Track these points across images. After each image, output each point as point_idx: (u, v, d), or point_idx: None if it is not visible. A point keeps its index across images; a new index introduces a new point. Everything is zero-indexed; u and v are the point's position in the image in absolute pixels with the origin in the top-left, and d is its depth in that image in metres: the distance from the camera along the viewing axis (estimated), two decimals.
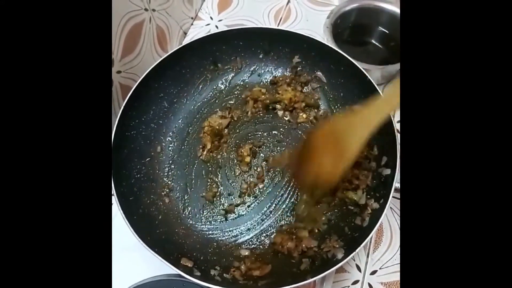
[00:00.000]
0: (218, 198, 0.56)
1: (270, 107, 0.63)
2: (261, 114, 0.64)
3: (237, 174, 0.58)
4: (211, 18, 0.88)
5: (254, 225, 0.54)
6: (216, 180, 0.58)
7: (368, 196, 0.51)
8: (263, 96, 0.63)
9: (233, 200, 0.56)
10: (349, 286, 0.60)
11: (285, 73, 0.65)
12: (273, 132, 0.62)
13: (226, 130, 0.61)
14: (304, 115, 0.62)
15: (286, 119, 0.63)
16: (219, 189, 0.57)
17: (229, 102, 0.64)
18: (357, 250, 0.43)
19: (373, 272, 0.60)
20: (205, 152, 0.59)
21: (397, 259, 0.61)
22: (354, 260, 0.61)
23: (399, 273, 0.60)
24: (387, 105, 0.44)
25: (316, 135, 0.50)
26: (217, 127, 0.60)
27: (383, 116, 0.43)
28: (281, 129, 0.62)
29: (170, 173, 0.58)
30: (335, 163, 0.46)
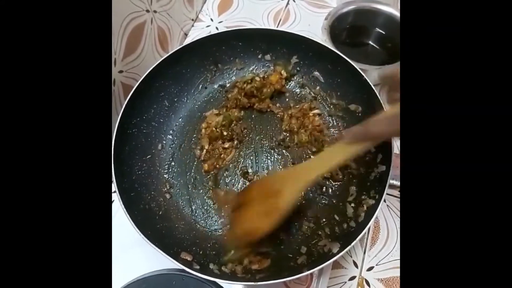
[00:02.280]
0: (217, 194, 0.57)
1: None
2: (256, 114, 0.65)
3: (235, 171, 0.59)
4: (212, 19, 0.90)
5: None
6: (216, 177, 0.59)
7: (364, 193, 0.52)
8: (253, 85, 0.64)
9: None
10: (346, 282, 0.61)
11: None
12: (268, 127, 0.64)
13: (223, 130, 0.62)
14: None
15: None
16: (219, 186, 0.58)
17: (228, 102, 0.65)
18: (352, 244, 0.44)
19: (370, 268, 0.62)
20: (203, 152, 0.60)
21: (393, 255, 0.62)
22: (351, 256, 0.62)
23: (395, 270, 0.61)
24: (320, 166, 0.45)
25: (251, 188, 0.52)
26: (214, 128, 0.61)
27: (319, 172, 0.45)
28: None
29: (170, 170, 0.59)
30: (266, 216, 0.46)
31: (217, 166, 0.59)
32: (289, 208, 0.46)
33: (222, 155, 0.60)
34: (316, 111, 0.64)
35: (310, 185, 0.46)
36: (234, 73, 0.67)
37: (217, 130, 0.61)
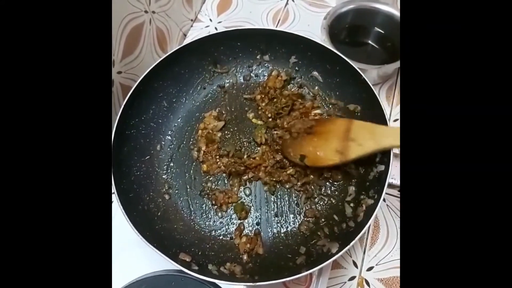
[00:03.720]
0: (216, 195, 0.57)
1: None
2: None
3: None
4: (211, 20, 0.90)
5: (250, 222, 0.55)
6: (214, 178, 0.59)
7: (363, 192, 0.52)
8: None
9: (230, 197, 0.57)
10: (345, 282, 0.60)
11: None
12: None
13: (219, 134, 0.62)
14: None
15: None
16: (217, 186, 0.58)
17: (228, 103, 0.65)
18: (351, 244, 0.44)
19: (370, 268, 0.61)
20: (201, 154, 0.60)
21: (393, 255, 0.62)
22: (351, 257, 0.62)
23: (395, 269, 0.61)
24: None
25: (333, 122, 0.55)
26: (211, 131, 0.61)
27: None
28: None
29: (169, 170, 0.59)
30: (333, 152, 0.51)
31: (216, 167, 0.59)
32: (353, 159, 0.50)
33: (218, 162, 0.60)
34: (317, 111, 0.64)
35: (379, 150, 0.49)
36: (233, 74, 0.67)
37: (214, 133, 0.61)
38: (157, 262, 0.48)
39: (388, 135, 0.48)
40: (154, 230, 0.51)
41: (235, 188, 0.57)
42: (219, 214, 0.56)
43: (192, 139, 0.62)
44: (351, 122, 0.53)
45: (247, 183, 0.58)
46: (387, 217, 0.65)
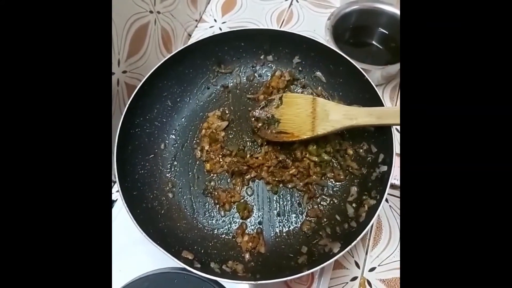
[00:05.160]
0: (218, 194, 0.58)
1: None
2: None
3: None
4: (215, 20, 0.90)
5: (253, 221, 0.56)
6: (217, 177, 0.59)
7: (365, 193, 0.52)
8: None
9: (233, 196, 0.57)
10: (347, 283, 0.60)
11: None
12: None
13: (222, 134, 0.62)
14: None
15: None
16: (220, 185, 0.59)
17: (231, 103, 0.66)
18: (353, 244, 0.44)
19: (372, 269, 0.61)
20: (204, 153, 0.61)
21: (395, 256, 0.62)
22: (353, 257, 0.62)
23: (397, 270, 0.61)
24: (374, 117, 0.51)
25: (302, 98, 0.57)
26: (214, 130, 0.62)
27: (366, 123, 0.52)
28: None
29: (173, 169, 0.60)
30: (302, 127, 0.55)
31: (219, 166, 0.60)
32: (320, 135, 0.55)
33: (221, 161, 0.60)
34: None
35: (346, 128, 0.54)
36: (236, 73, 0.68)
37: (217, 133, 0.61)
38: (160, 259, 0.48)
39: (356, 114, 0.52)
40: (158, 228, 0.51)
41: (238, 188, 0.58)
42: (222, 213, 0.56)
43: (195, 139, 0.62)
44: (315, 102, 0.56)
45: (250, 182, 0.59)
46: (390, 218, 0.65)
